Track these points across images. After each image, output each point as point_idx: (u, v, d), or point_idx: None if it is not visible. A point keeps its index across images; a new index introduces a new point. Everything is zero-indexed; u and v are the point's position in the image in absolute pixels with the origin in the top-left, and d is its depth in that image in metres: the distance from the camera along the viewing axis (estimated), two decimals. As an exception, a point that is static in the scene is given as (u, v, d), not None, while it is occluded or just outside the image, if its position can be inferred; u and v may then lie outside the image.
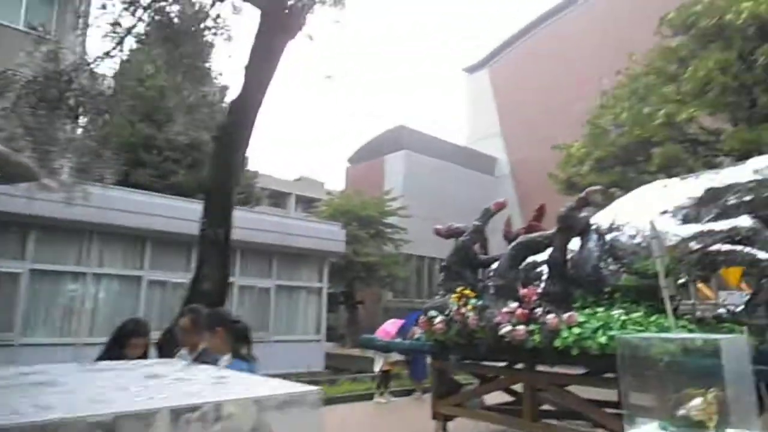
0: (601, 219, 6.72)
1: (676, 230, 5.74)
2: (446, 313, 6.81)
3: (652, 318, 5.62)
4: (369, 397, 11.17)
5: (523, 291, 6.25)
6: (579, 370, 6.31)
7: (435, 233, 8.16)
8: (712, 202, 5.90)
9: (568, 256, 6.88)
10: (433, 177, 32.57)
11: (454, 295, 6.80)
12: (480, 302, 6.58)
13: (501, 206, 7.50)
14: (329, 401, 9.53)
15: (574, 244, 6.86)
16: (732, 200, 5.80)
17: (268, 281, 15.67)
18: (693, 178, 6.18)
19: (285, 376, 1.68)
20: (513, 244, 6.96)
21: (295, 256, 16.18)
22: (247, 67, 7.36)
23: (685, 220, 5.90)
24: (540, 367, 6.47)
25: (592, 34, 32.88)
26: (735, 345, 3.04)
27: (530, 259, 7.21)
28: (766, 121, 10.50)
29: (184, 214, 12.07)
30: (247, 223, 12.57)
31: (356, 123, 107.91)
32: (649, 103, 12.15)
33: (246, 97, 7.30)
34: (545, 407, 7.06)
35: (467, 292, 6.77)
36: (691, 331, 5.46)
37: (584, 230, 6.83)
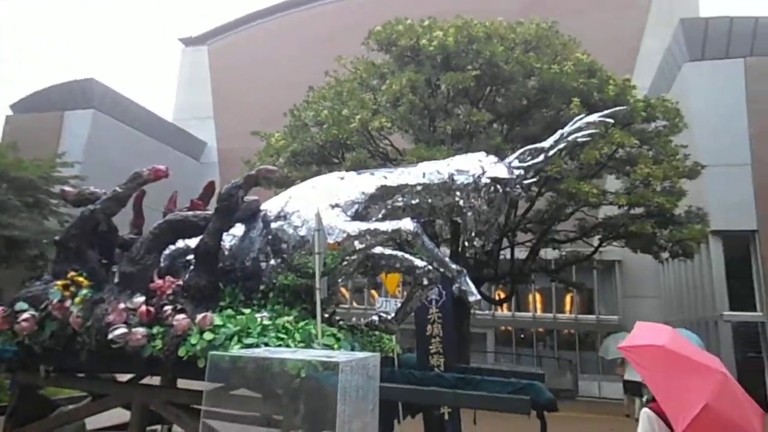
0: (272, 205, 5.75)
1: (343, 226, 5.11)
2: (42, 306, 4.82)
3: (301, 323, 4.82)
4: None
5: (156, 282, 4.75)
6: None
7: (62, 196, 6.01)
8: (382, 200, 5.51)
9: (227, 244, 5.71)
10: (125, 147, 27.92)
11: (59, 282, 4.87)
12: (94, 294, 4.82)
13: (160, 173, 5.84)
14: None
15: (240, 231, 5.77)
16: (399, 201, 5.50)
17: None
18: (369, 173, 5.72)
19: None
20: (159, 222, 5.41)
21: None
22: None
23: (356, 217, 5.35)
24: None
25: (318, 36, 33.72)
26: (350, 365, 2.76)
27: (182, 243, 5.77)
28: (443, 144, 11.53)
29: None
30: None
31: (37, 66, 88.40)
32: (348, 107, 12.18)
33: None
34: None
35: (81, 279, 4.93)
36: (337, 339, 4.84)
37: (251, 216, 5.77)
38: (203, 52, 39.93)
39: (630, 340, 3.34)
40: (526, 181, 5.88)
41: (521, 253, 16.27)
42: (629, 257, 23.71)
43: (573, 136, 6.01)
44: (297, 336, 4.50)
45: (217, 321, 4.48)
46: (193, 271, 5.08)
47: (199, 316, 4.42)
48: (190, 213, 5.53)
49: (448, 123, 11.07)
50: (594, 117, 5.81)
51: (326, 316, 5.78)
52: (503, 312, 28.93)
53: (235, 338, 4.26)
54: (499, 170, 5.20)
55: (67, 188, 6.09)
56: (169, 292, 4.78)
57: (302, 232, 5.24)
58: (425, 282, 5.81)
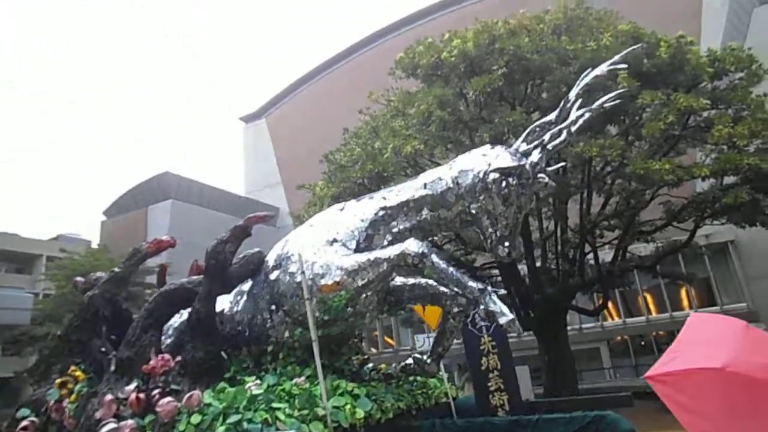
0: (273, 254, 5.23)
1: (339, 262, 4.46)
2: (44, 409, 4.52)
3: (316, 384, 4.13)
4: None
5: (149, 363, 4.30)
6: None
7: (74, 287, 5.86)
8: (385, 224, 4.80)
9: (236, 307, 5.23)
10: (204, 227, 29.30)
11: (58, 380, 4.56)
12: (91, 388, 4.45)
13: (162, 244, 5.55)
14: None
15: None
16: (405, 222, 4.76)
17: None
18: (368, 198, 5.05)
19: None
20: (153, 297, 5.03)
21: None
22: None
23: (358, 248, 4.68)
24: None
25: (364, 82, 34.02)
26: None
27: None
28: (484, 154, 10.63)
29: None
30: None
31: (121, 172, 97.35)
32: (381, 138, 11.68)
33: None
34: None
35: (79, 372, 4.60)
36: (354, 396, 4.10)
37: (255, 270, 5.27)
38: (262, 125, 41.84)
39: (669, 359, 2.26)
40: (550, 167, 4.94)
41: (609, 255, 14.62)
42: (743, 235, 20.84)
43: (597, 103, 5.04)
44: (296, 403, 3.82)
45: (206, 399, 3.90)
46: (188, 343, 4.61)
47: (186, 397, 3.88)
48: (185, 281, 5.13)
49: (485, 130, 10.18)
50: (602, 67, 4.83)
51: (351, 368, 5.06)
52: (614, 321, 26.34)
53: (220, 418, 3.65)
54: (503, 159, 4.34)
55: (78, 279, 5.96)
56: (162, 372, 4.31)
57: (298, 278, 4.62)
58: (455, 310, 4.96)
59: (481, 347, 5.99)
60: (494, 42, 11.02)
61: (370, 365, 5.66)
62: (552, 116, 4.57)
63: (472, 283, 4.13)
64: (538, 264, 15.08)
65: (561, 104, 4.57)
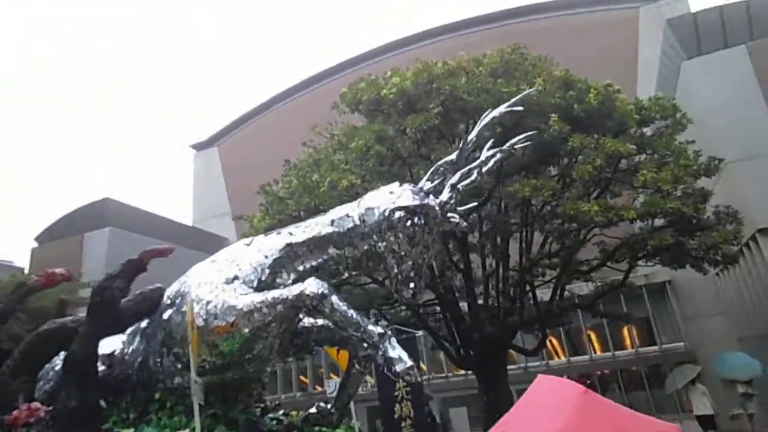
0: (171, 290, 4.89)
1: (233, 302, 4.17)
2: None
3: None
4: None
5: (13, 413, 3.85)
6: None
7: None
8: (291, 262, 4.57)
9: (121, 349, 4.83)
10: (144, 258, 28.17)
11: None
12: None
13: (52, 278, 5.11)
14: None
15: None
16: (309, 259, 4.54)
17: None
18: (276, 233, 4.82)
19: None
20: (28, 337, 4.59)
21: None
22: None
23: (259, 287, 4.41)
24: None
25: (316, 116, 34.03)
26: None
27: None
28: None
29: None
30: None
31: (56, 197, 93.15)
32: (319, 172, 11.54)
33: None
34: None
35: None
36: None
37: (153, 308, 4.90)
38: (214, 153, 41.11)
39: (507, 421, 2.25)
40: (462, 207, 4.87)
41: (549, 294, 14.79)
42: (678, 276, 21.54)
43: (508, 144, 5.05)
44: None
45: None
46: (63, 390, 4.18)
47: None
48: (69, 319, 4.72)
49: (422, 167, 10.21)
50: (500, 109, 4.88)
51: (250, 417, 4.71)
52: (559, 359, 26.56)
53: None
54: (406, 198, 4.23)
55: None
56: (27, 423, 3.87)
57: (199, 321, 4.30)
58: (361, 354, 4.73)
59: (395, 393, 5.75)
60: (432, 81, 11.19)
61: (279, 412, 5.33)
62: (453, 156, 4.51)
63: (371, 327, 3.93)
64: (480, 302, 15.07)
65: (461, 145, 4.52)
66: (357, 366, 4.69)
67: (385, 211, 4.27)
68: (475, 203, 5.86)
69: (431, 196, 4.37)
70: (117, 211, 30.57)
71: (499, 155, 4.97)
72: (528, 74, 11.52)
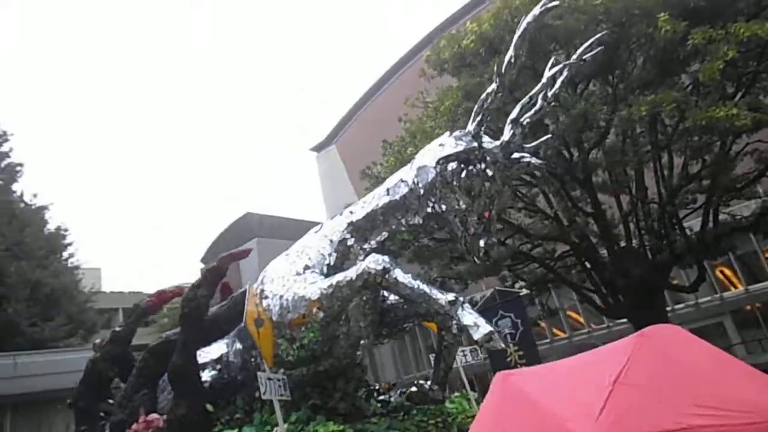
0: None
1: (302, 292, 4.06)
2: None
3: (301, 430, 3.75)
4: None
5: (132, 426, 4.16)
6: None
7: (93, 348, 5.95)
8: (358, 240, 4.34)
9: (226, 353, 4.99)
10: (290, 261, 30.36)
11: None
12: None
13: (163, 297, 5.48)
14: None
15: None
16: (374, 235, 4.27)
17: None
18: (339, 215, 4.63)
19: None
20: (144, 353, 4.93)
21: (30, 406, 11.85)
22: None
23: (329, 271, 4.27)
24: None
25: (414, 90, 33.55)
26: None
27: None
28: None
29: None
30: None
31: (209, 218, 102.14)
32: (415, 143, 11.19)
33: None
34: None
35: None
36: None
37: (242, 312, 4.99)
38: (333, 151, 42.64)
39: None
40: (529, 145, 4.22)
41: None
42: None
43: (575, 56, 4.27)
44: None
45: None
46: (173, 399, 4.41)
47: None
48: (171, 332, 4.98)
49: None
50: (534, 12, 4.11)
51: (354, 403, 4.57)
52: (736, 290, 23.26)
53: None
54: (449, 146, 3.72)
55: (96, 341, 6.05)
56: (149, 431, 4.14)
57: (275, 317, 4.27)
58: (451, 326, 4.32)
59: (507, 359, 5.26)
60: (514, 17, 10.15)
61: (390, 394, 5.16)
62: (493, 86, 3.90)
63: (440, 296, 3.55)
64: (623, 244, 13.64)
65: (496, 70, 3.88)
66: (446, 337, 4.32)
67: (437, 166, 3.83)
68: (548, 136, 5.10)
69: (486, 138, 3.83)
70: (259, 222, 33.08)
71: (565, 72, 4.23)
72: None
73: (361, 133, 40.09)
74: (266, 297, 4.39)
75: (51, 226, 22.27)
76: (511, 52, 3.91)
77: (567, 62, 4.22)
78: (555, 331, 23.70)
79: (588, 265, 13.59)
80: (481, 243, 3.71)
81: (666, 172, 12.28)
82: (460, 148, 3.69)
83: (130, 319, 5.46)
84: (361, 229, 4.33)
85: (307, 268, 4.37)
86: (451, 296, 3.51)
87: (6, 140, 20.98)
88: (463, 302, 3.49)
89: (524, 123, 3.95)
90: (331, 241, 4.43)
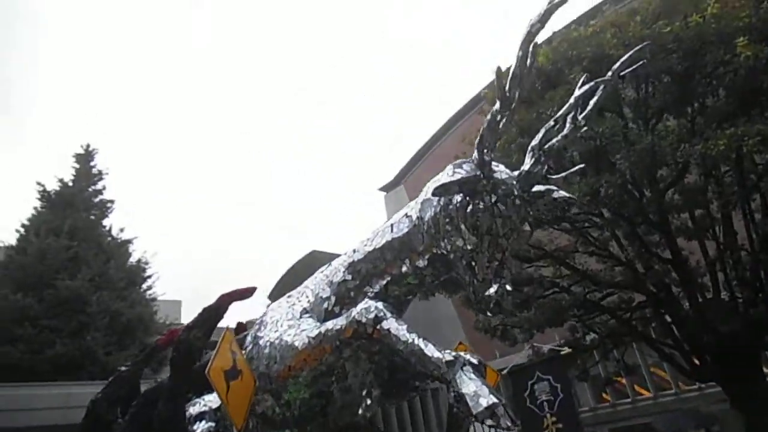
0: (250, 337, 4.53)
1: (291, 340, 3.60)
2: None
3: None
4: None
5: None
6: None
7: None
8: (359, 283, 3.84)
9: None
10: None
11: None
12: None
13: (175, 335, 5.21)
14: None
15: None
16: (378, 278, 3.76)
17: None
18: (344, 254, 4.18)
19: None
20: (138, 398, 4.62)
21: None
22: None
23: (326, 317, 3.79)
24: None
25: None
26: None
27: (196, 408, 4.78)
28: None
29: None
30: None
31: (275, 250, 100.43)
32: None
33: None
34: None
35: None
36: None
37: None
38: (401, 191, 42.66)
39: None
40: (552, 175, 3.59)
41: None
42: None
43: (609, 74, 3.64)
44: None
45: None
46: (156, 455, 4.03)
47: None
48: (167, 377, 4.65)
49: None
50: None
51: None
52: None
53: None
54: (445, 175, 3.18)
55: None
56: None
57: (261, 367, 3.82)
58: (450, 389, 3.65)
59: (544, 429, 4.45)
60: (573, 50, 9.54)
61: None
62: (495, 108, 3.33)
63: (436, 354, 2.95)
64: (709, 295, 12.12)
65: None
66: (456, 404, 3.66)
67: (441, 199, 3.30)
68: (581, 165, 4.42)
69: (497, 166, 3.27)
70: (324, 261, 33.21)
71: (599, 93, 3.61)
72: (696, 3, 9.09)
73: (430, 174, 39.76)
74: (256, 344, 3.97)
75: (133, 259, 23.33)
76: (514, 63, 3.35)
77: (600, 79, 3.61)
78: (637, 388, 21.38)
79: (668, 319, 12.16)
80: (491, 291, 3.10)
81: (758, 215, 10.90)
82: (457, 177, 3.16)
83: (138, 357, 5.23)
84: (360, 272, 3.83)
85: (305, 312, 3.93)
86: (448, 357, 2.91)
87: (101, 179, 22.48)
88: (464, 363, 2.88)
89: (546, 150, 3.36)
90: (331, 282, 3.97)
